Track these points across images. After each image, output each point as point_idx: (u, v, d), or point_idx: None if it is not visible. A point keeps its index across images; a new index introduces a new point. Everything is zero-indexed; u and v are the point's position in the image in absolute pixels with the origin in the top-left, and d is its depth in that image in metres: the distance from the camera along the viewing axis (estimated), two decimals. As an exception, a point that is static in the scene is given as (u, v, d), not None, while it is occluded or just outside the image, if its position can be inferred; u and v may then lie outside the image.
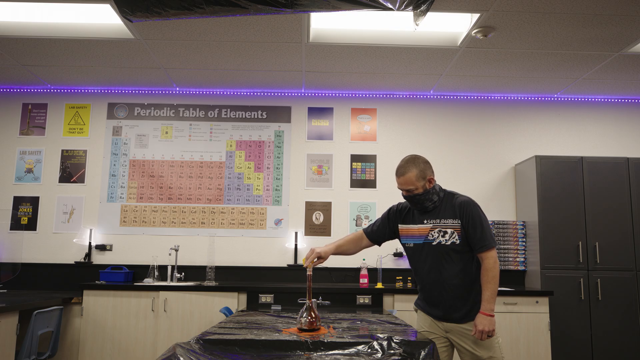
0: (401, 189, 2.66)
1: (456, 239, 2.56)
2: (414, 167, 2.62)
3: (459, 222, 2.56)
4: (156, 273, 4.79)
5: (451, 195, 2.67)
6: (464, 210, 2.56)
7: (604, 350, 4.36)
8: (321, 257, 2.72)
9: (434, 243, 2.60)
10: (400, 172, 2.65)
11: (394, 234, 2.83)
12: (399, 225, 2.77)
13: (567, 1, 3.35)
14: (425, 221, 2.65)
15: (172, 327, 4.24)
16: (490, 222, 4.89)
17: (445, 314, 2.62)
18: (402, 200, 2.82)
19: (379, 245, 2.92)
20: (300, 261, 4.95)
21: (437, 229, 2.60)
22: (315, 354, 2.12)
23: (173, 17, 2.32)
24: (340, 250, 2.86)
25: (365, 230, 2.90)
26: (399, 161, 5.25)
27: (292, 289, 4.36)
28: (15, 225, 4.99)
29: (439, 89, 5.12)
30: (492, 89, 5.08)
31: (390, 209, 2.86)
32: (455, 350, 2.69)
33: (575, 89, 5.03)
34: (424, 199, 2.62)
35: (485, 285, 2.50)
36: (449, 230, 2.57)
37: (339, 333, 2.49)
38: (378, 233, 2.84)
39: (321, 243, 4.98)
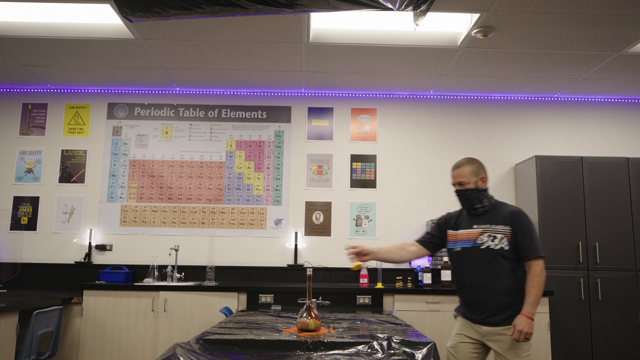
0: (454, 183, 2.75)
1: (505, 245, 2.61)
2: (469, 163, 2.74)
3: (510, 228, 2.62)
4: (156, 273, 4.79)
5: (502, 203, 2.75)
6: (516, 218, 2.63)
7: (604, 350, 4.36)
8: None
9: (483, 247, 2.64)
10: (456, 165, 2.75)
11: (443, 242, 2.87)
12: (448, 231, 2.82)
13: (567, 1, 3.35)
14: (474, 226, 2.70)
15: (172, 327, 4.24)
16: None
17: (486, 318, 2.63)
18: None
19: (432, 253, 2.94)
20: (300, 261, 4.96)
21: (487, 234, 2.65)
22: (315, 354, 2.12)
23: (173, 17, 2.33)
24: (386, 257, 2.87)
25: (419, 239, 2.92)
26: (399, 161, 5.32)
27: (292, 289, 4.36)
28: (15, 225, 4.99)
29: (439, 89, 5.12)
30: (492, 89, 5.08)
31: (439, 220, 2.92)
32: (487, 356, 2.70)
33: (575, 89, 5.04)
34: (474, 197, 2.70)
35: (529, 290, 2.54)
36: (498, 235, 2.63)
37: (339, 333, 2.49)
38: (433, 239, 2.88)
39: (321, 243, 4.99)
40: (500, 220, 2.66)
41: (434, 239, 2.88)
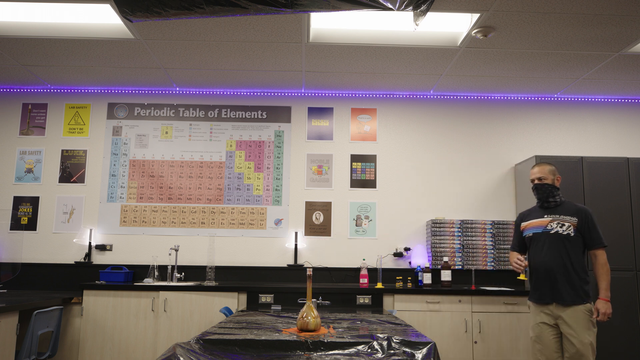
0: (534, 178, 3.31)
1: (571, 231, 3.16)
2: (548, 164, 3.34)
3: (576, 219, 3.17)
4: (156, 273, 4.79)
5: (570, 202, 3.30)
6: (583, 214, 3.18)
7: (604, 351, 4.36)
8: None
9: (552, 232, 3.20)
10: (538, 163, 3.35)
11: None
12: (522, 223, 3.39)
13: (567, 1, 3.35)
14: (545, 216, 3.27)
15: (172, 327, 4.24)
16: (490, 222, 4.92)
17: (554, 293, 3.13)
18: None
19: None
20: (300, 261, 4.96)
21: (556, 222, 3.21)
22: (315, 354, 2.12)
23: (173, 17, 2.33)
24: None
25: (513, 249, 3.48)
26: (399, 161, 5.37)
27: (292, 289, 4.36)
28: (15, 225, 4.99)
29: (439, 89, 5.12)
30: (492, 89, 5.08)
31: (516, 222, 3.50)
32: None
33: (575, 89, 5.04)
34: (549, 191, 3.25)
35: (601, 277, 3.12)
36: (566, 224, 3.18)
37: (339, 333, 2.49)
38: (520, 241, 3.42)
39: (321, 243, 5.00)
40: (568, 213, 3.20)
41: (520, 238, 3.40)
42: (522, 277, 3.26)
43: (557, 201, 3.26)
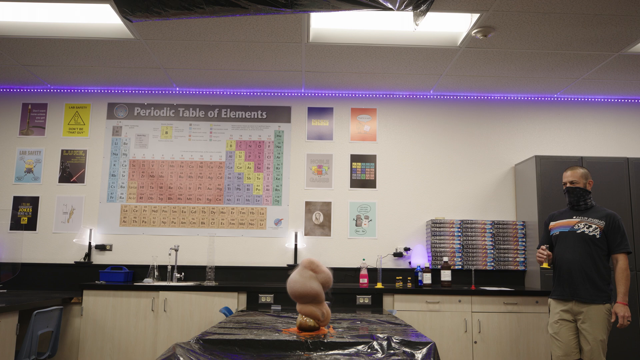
0: (566, 182, 3.41)
1: (597, 233, 3.26)
2: (582, 169, 3.42)
3: (604, 223, 3.27)
4: (156, 273, 4.79)
5: (600, 207, 3.41)
6: (611, 218, 3.29)
7: (604, 350, 4.36)
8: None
9: (578, 231, 3.31)
10: (571, 167, 3.45)
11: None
12: (551, 222, 3.50)
13: (567, 1, 3.35)
14: (574, 217, 3.38)
15: (172, 327, 4.24)
16: (490, 222, 4.92)
17: (574, 290, 3.24)
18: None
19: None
20: (300, 261, 4.95)
21: (584, 223, 3.32)
22: (315, 354, 2.12)
23: (173, 17, 2.33)
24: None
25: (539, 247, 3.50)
26: (398, 161, 5.35)
27: (292, 289, 4.35)
28: (15, 225, 4.99)
29: (439, 89, 5.12)
30: (492, 89, 5.08)
31: (545, 222, 3.59)
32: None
33: (575, 89, 5.04)
34: (580, 194, 3.35)
35: (620, 282, 3.18)
36: (593, 225, 3.29)
37: (339, 333, 2.49)
38: (546, 242, 3.50)
39: (321, 243, 4.99)
40: (597, 216, 3.30)
41: (546, 237, 3.52)
42: (545, 265, 3.33)
43: (588, 204, 3.37)
